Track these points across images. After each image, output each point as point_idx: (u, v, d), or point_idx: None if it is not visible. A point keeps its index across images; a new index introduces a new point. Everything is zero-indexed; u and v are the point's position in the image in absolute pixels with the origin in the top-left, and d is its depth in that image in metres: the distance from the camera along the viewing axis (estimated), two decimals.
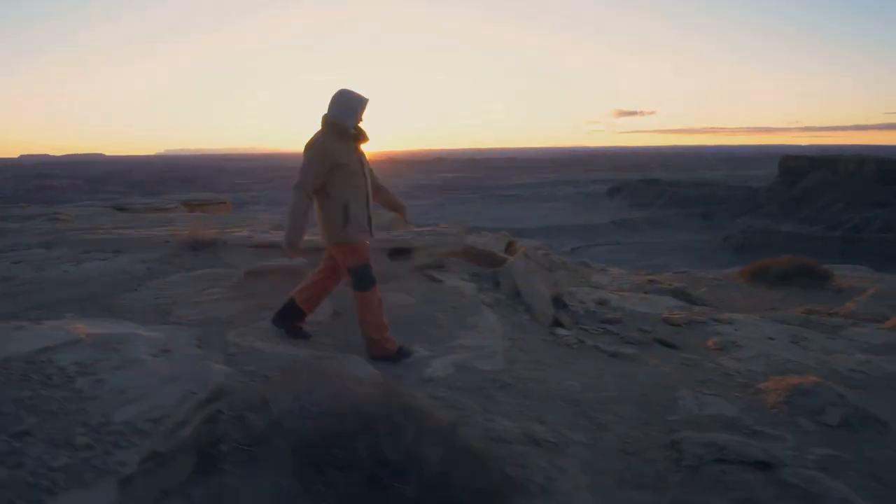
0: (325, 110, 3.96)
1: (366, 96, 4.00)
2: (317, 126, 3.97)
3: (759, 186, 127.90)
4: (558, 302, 6.12)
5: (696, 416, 3.79)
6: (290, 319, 4.30)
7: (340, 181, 3.89)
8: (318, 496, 2.26)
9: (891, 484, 3.07)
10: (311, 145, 3.89)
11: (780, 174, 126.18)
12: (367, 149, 4.18)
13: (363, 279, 3.98)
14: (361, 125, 4.02)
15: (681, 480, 2.93)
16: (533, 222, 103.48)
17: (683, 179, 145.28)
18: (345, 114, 3.91)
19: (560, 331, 5.36)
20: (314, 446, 2.37)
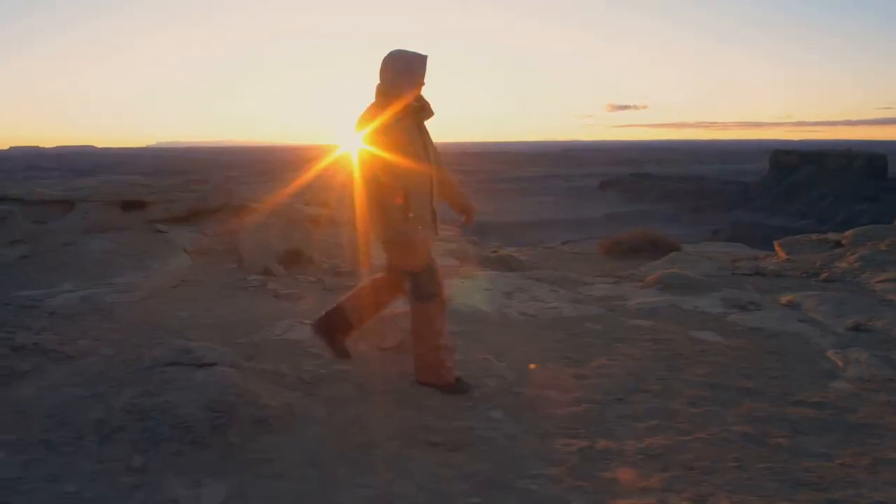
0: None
1: (424, 53, 3.22)
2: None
3: (749, 181, 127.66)
4: (295, 254, 6.25)
5: (266, 338, 3.93)
6: (333, 331, 3.57)
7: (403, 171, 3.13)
8: None
9: None
10: (366, 120, 3.20)
11: (770, 169, 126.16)
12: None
13: (423, 286, 3.27)
14: (423, 94, 3.25)
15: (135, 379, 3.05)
16: (524, 216, 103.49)
17: (675, 174, 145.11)
18: (401, 80, 3.15)
19: (255, 278, 5.48)
20: None
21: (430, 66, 3.20)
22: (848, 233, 8.36)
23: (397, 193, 3.11)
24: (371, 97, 3.24)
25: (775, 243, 9.07)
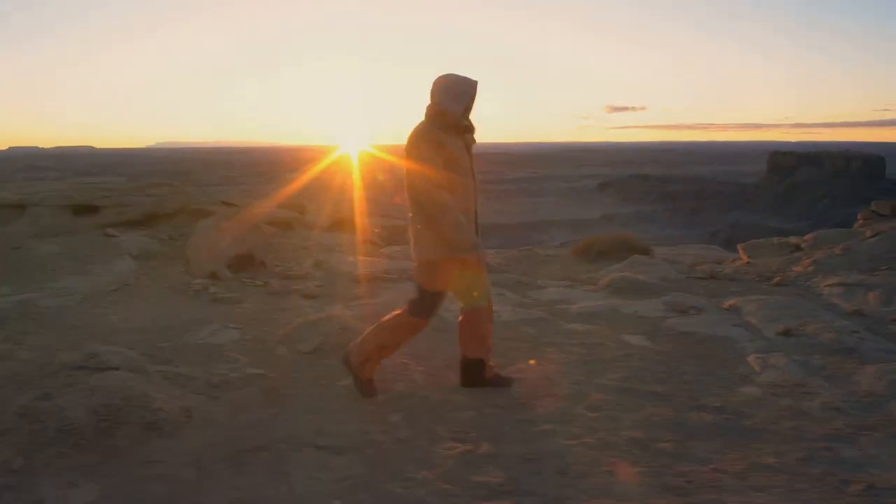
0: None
1: (474, 79, 3.35)
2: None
3: (748, 182, 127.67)
4: (247, 258, 6.29)
5: (188, 342, 3.98)
6: (365, 369, 3.52)
7: (447, 182, 3.22)
8: None
9: None
10: (419, 136, 3.25)
11: (768, 170, 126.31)
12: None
13: (424, 304, 3.38)
14: (471, 117, 3.40)
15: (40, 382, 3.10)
16: (523, 217, 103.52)
17: (673, 175, 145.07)
18: (452, 101, 3.26)
19: (199, 282, 5.53)
20: None
21: (478, 90, 3.33)
22: (808, 236, 8.41)
23: (448, 202, 3.16)
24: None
25: (739, 247, 9.13)
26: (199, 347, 3.95)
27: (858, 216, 8.94)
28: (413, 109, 3.43)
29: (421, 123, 3.32)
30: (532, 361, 4.06)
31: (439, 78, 3.33)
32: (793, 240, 8.74)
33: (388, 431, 3.01)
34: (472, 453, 2.79)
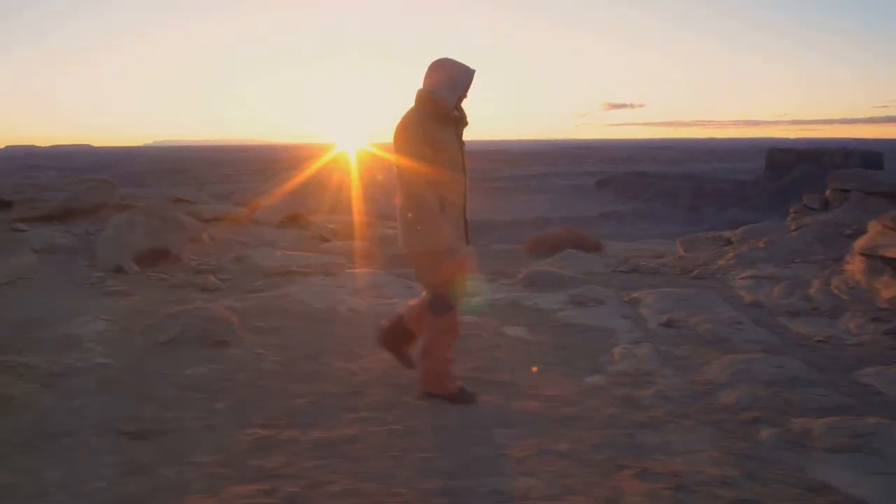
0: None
1: (472, 67, 3.16)
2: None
3: (746, 179, 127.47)
4: (161, 253, 6.33)
5: (53, 333, 4.02)
6: (398, 342, 3.59)
7: (437, 177, 3.07)
8: None
9: None
10: (408, 128, 3.08)
11: (767, 167, 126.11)
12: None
13: (442, 301, 3.22)
14: (464, 106, 3.22)
15: None
16: (521, 214, 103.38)
17: (671, 172, 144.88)
18: (446, 88, 3.08)
19: (99, 275, 5.56)
20: None
21: (474, 81, 3.15)
22: (739, 230, 8.45)
23: (431, 202, 3.03)
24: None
25: (677, 242, 9.15)
26: (58, 339, 3.98)
27: (791, 209, 8.96)
28: (404, 107, 3.22)
29: (410, 112, 3.12)
30: (534, 369, 3.91)
31: (436, 62, 3.13)
32: (726, 234, 8.77)
33: (203, 418, 3.04)
34: (270, 439, 2.83)
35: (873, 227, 6.12)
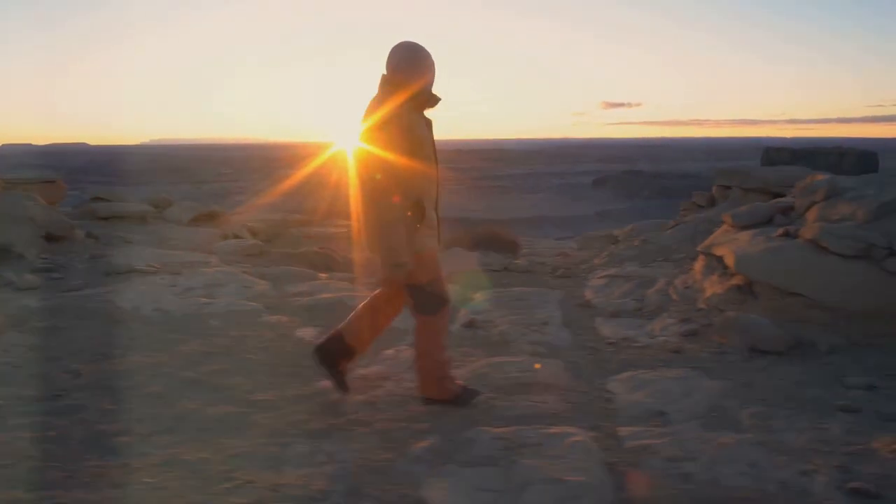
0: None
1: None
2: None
3: None
4: (3, 250, 6.20)
5: None
6: (336, 358, 3.27)
7: (411, 172, 2.86)
8: None
9: None
10: (392, 120, 2.82)
11: (762, 166, 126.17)
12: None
13: (427, 299, 3.02)
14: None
15: None
16: (517, 213, 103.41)
17: (668, 171, 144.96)
18: (408, 69, 2.89)
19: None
20: None
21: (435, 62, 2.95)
22: (626, 228, 8.32)
23: (410, 200, 2.85)
24: (373, 90, 2.92)
25: (574, 240, 9.00)
26: None
27: (681, 207, 8.82)
28: None
29: (398, 103, 2.84)
30: (537, 366, 3.78)
31: (408, 47, 2.91)
32: (615, 232, 8.63)
33: None
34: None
35: (723, 226, 5.97)
